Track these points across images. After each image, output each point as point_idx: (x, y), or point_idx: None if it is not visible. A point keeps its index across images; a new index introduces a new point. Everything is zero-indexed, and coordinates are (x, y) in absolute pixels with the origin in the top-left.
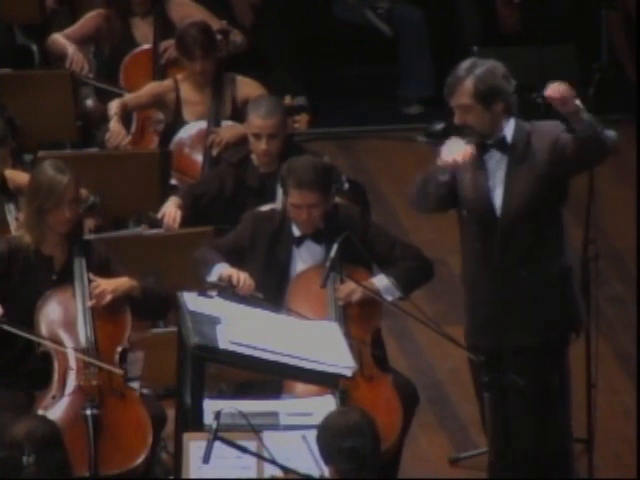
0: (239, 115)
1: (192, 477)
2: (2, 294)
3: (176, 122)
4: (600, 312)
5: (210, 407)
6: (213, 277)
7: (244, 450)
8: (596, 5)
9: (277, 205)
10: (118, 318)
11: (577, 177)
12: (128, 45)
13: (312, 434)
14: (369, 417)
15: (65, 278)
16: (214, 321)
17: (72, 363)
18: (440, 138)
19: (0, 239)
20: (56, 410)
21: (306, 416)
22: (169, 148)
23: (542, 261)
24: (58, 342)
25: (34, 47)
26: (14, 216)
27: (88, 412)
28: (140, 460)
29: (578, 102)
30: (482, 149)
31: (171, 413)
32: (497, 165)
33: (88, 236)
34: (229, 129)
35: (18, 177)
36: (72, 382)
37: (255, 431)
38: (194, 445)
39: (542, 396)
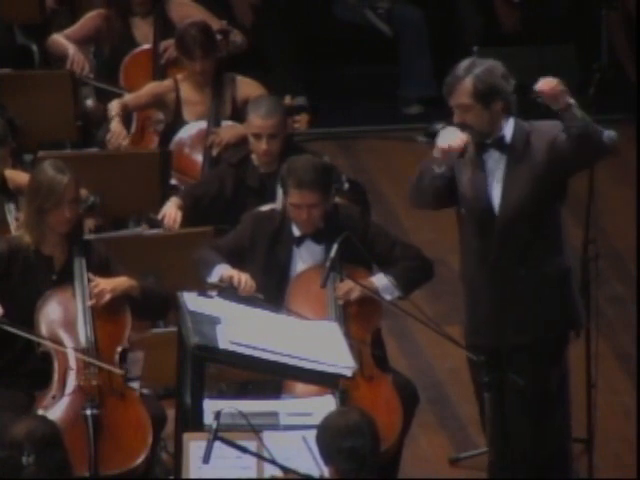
0: (239, 115)
1: (192, 477)
2: (2, 294)
3: (176, 122)
4: (600, 312)
5: (210, 407)
6: (214, 278)
7: (244, 450)
8: (596, 5)
9: (277, 205)
10: (118, 318)
11: (577, 177)
12: (128, 45)
13: (312, 434)
14: (369, 417)
15: (65, 278)
16: (214, 321)
17: (72, 363)
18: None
19: (0, 239)
20: (56, 410)
21: (306, 416)
22: (169, 148)
23: (540, 260)
24: (58, 342)
25: (34, 47)
26: (14, 216)
27: (88, 412)
28: (140, 460)
29: (570, 99)
30: (481, 148)
31: (171, 413)
32: (496, 164)
33: (88, 236)
34: (229, 129)
35: (18, 177)
36: (72, 382)
37: (255, 431)
38: (194, 445)
39: (540, 396)
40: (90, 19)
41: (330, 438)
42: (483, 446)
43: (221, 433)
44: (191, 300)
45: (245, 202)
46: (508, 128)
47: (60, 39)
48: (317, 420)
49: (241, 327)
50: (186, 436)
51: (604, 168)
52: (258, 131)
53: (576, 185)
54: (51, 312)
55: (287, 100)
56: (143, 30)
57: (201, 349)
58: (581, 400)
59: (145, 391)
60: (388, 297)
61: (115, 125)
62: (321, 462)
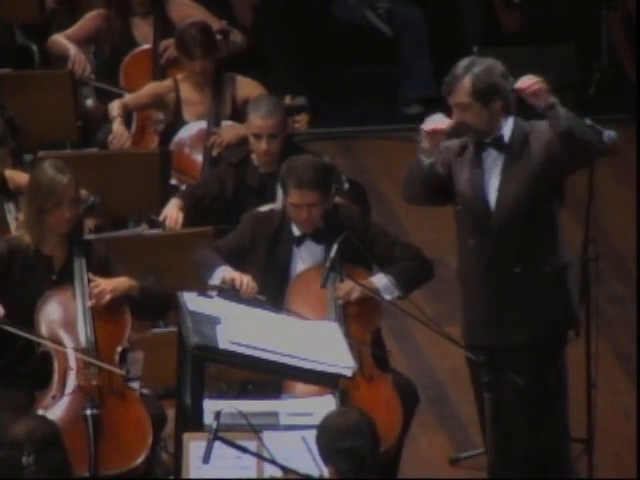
0: (239, 115)
1: (192, 477)
2: (2, 294)
3: (176, 122)
4: (600, 312)
5: (210, 407)
6: (215, 280)
7: (244, 450)
8: (596, 5)
9: (277, 205)
10: (118, 318)
11: (577, 177)
12: (128, 45)
13: (312, 434)
14: (368, 417)
15: (65, 278)
16: (214, 321)
17: (72, 363)
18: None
19: (0, 239)
20: (56, 410)
21: (306, 416)
22: (169, 148)
23: (535, 259)
24: (58, 342)
25: (34, 47)
26: (14, 216)
27: (88, 412)
28: (140, 460)
29: (552, 97)
30: (480, 147)
31: (171, 413)
32: (493, 163)
33: (88, 236)
34: (229, 129)
35: (18, 177)
36: (72, 382)
37: (255, 431)
38: (194, 445)
39: (537, 395)
40: (90, 19)
41: (329, 438)
42: (483, 446)
43: (221, 433)
44: (191, 300)
45: (245, 202)
46: (507, 127)
47: (61, 39)
48: (317, 420)
49: (241, 327)
50: (186, 436)
51: (604, 168)
52: (258, 131)
53: (576, 185)
54: (51, 312)
55: (287, 100)
56: (143, 30)
57: (201, 349)
58: (581, 400)
59: (145, 391)
60: (388, 297)
61: (117, 126)
62: (321, 462)
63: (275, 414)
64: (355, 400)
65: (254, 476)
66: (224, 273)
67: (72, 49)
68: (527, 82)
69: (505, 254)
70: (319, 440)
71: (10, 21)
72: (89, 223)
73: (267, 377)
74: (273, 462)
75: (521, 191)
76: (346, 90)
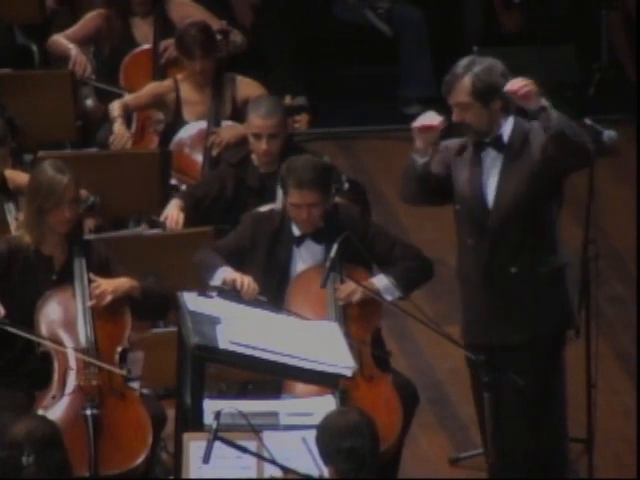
0: (239, 115)
1: (192, 477)
2: (2, 294)
3: (176, 122)
4: (600, 312)
5: (210, 407)
6: (216, 281)
7: (244, 450)
8: (596, 5)
9: (277, 205)
10: (118, 318)
11: (577, 177)
12: (128, 45)
13: (312, 435)
14: (368, 417)
15: (65, 278)
16: (214, 321)
17: (72, 363)
18: (440, 138)
19: (0, 239)
20: (56, 410)
21: (306, 416)
22: (169, 148)
23: (533, 260)
24: (58, 342)
25: (34, 47)
26: (14, 216)
27: (88, 412)
28: (140, 460)
29: (543, 100)
30: (479, 147)
31: (171, 413)
32: (492, 163)
33: (88, 236)
34: (229, 129)
35: (18, 177)
36: (72, 382)
37: (255, 431)
38: (194, 445)
39: (535, 395)
40: (90, 19)
41: (329, 438)
42: (482, 446)
43: (221, 433)
44: (191, 300)
45: (245, 202)
46: (507, 127)
47: (61, 40)
48: (317, 420)
49: (241, 327)
50: (186, 436)
51: (604, 168)
52: (258, 131)
53: (576, 185)
54: (51, 312)
55: (287, 100)
56: (143, 30)
57: (201, 349)
58: (581, 400)
59: (145, 391)
60: (389, 298)
61: (118, 127)
62: (321, 462)
63: (275, 414)
64: (355, 400)
65: (254, 476)
66: (225, 274)
67: (73, 49)
68: (517, 84)
69: (503, 254)
70: (319, 440)
71: (10, 21)
72: (89, 223)
73: (267, 377)
74: (273, 462)
75: (519, 190)
76: (346, 90)
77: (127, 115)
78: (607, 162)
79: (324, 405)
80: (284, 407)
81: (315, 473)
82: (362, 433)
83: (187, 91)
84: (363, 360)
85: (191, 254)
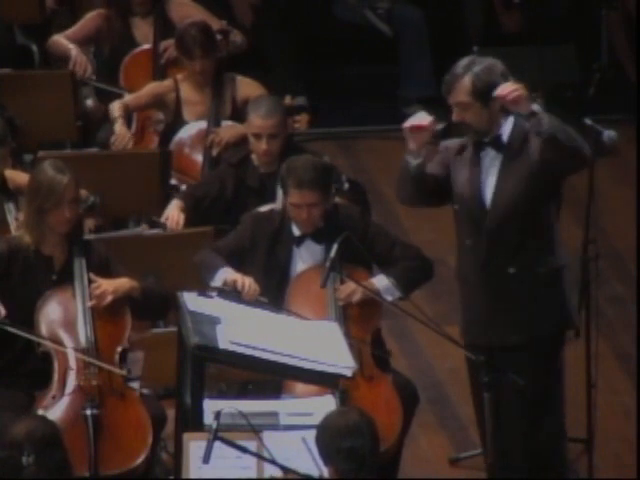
0: (239, 115)
1: (192, 477)
2: (2, 294)
3: (176, 122)
4: (600, 312)
5: (210, 407)
6: (217, 282)
7: (244, 450)
8: (596, 5)
9: (277, 205)
10: (118, 318)
11: (577, 177)
12: (128, 45)
13: (312, 435)
14: (368, 417)
15: (65, 278)
16: (214, 321)
17: (72, 363)
18: (440, 138)
19: (0, 239)
20: (56, 410)
21: (306, 416)
22: (169, 148)
23: (531, 260)
24: (58, 342)
25: (34, 47)
26: (14, 216)
27: (88, 412)
28: (140, 460)
29: (534, 105)
30: (478, 147)
31: (171, 413)
32: (491, 163)
33: (88, 236)
34: (229, 129)
35: (18, 177)
36: (72, 382)
37: (255, 431)
38: (194, 445)
39: (533, 395)
40: (90, 19)
41: (329, 438)
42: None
43: (221, 433)
44: (191, 300)
45: (245, 202)
46: (507, 127)
47: (61, 40)
48: (317, 420)
49: (241, 327)
50: (186, 436)
51: (604, 168)
52: (258, 131)
53: (576, 185)
54: (51, 312)
55: (287, 100)
56: (143, 30)
57: (201, 349)
58: (581, 400)
59: (145, 391)
60: (389, 298)
61: (119, 128)
62: (320, 462)
63: (275, 414)
64: (355, 400)
65: (254, 476)
66: (226, 275)
67: (73, 49)
68: (507, 89)
69: (501, 254)
70: (319, 440)
71: (10, 21)
72: (89, 223)
73: (267, 377)
74: (273, 462)
75: (517, 190)
76: (346, 90)
77: (127, 115)
78: (607, 162)
79: (324, 405)
80: (284, 407)
81: (315, 473)
82: (362, 433)
83: (187, 91)
84: (363, 360)
85: (191, 254)
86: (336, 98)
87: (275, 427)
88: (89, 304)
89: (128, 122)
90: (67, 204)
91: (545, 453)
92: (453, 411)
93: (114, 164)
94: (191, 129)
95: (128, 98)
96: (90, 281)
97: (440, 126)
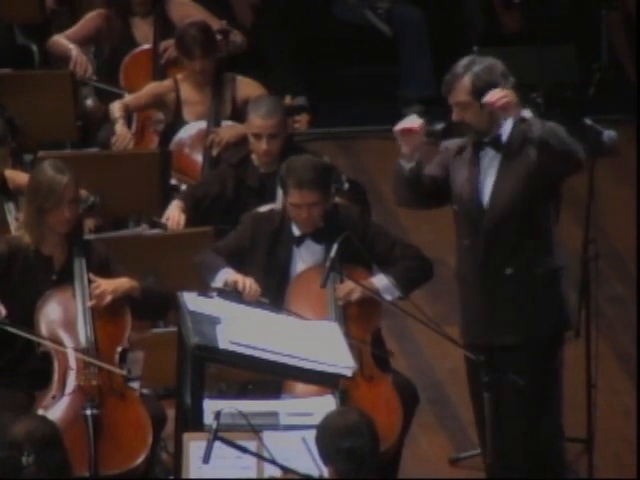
0: (239, 115)
1: (192, 477)
2: (2, 294)
3: (176, 122)
4: (600, 312)
5: (210, 407)
6: (218, 283)
7: (244, 450)
8: (596, 5)
9: (277, 205)
10: (118, 318)
11: (577, 177)
12: (128, 45)
13: (312, 435)
14: (368, 417)
15: (65, 278)
16: (214, 321)
17: (72, 363)
18: (440, 138)
19: (0, 239)
20: (56, 410)
21: (306, 416)
22: (169, 148)
23: (528, 260)
24: (58, 342)
25: (34, 47)
26: (14, 216)
27: (88, 412)
28: (140, 460)
29: (524, 111)
30: (478, 147)
31: (171, 413)
32: (490, 163)
33: (88, 236)
34: (229, 129)
35: (18, 177)
36: (72, 382)
37: (255, 431)
38: (194, 445)
39: (529, 396)
40: (90, 19)
41: (329, 438)
42: (479, 446)
43: (221, 433)
44: (191, 300)
45: (246, 202)
46: (506, 127)
47: (62, 40)
48: (317, 420)
49: (241, 327)
50: (186, 436)
51: (604, 168)
52: (258, 131)
53: (576, 185)
54: (51, 312)
55: (287, 100)
56: (143, 30)
57: (201, 349)
58: (581, 400)
59: (145, 391)
60: (388, 297)
61: (120, 128)
62: (320, 462)
63: (275, 414)
64: (355, 400)
65: (254, 476)
66: (227, 275)
67: (74, 50)
68: (495, 96)
69: (498, 254)
70: (319, 440)
71: (10, 21)
72: (89, 223)
73: (267, 377)
74: (273, 462)
75: (515, 191)
76: (346, 90)
77: (127, 115)
78: (607, 162)
79: (324, 405)
80: (284, 407)
81: (315, 473)
82: (362, 433)
83: (187, 91)
84: (363, 360)
85: (191, 254)
86: (336, 98)
87: (275, 427)
88: (89, 304)
89: (128, 122)
90: (67, 204)
91: (543, 453)
92: (453, 411)
93: (114, 164)
94: (191, 129)
95: (128, 98)
96: (90, 281)
97: (440, 126)
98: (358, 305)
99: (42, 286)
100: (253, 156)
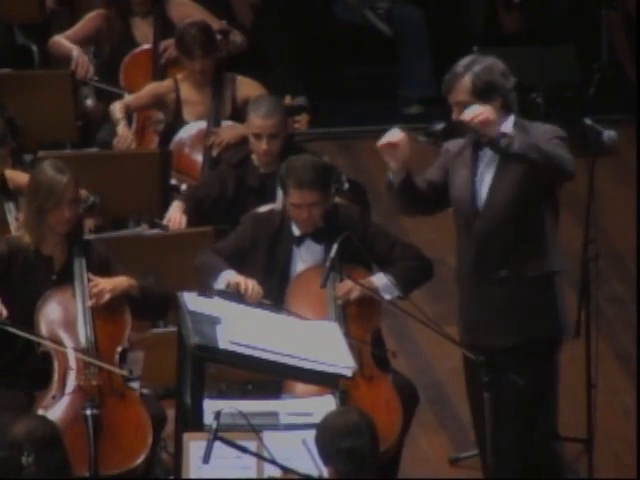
0: (239, 115)
1: (192, 477)
2: (2, 294)
3: (176, 122)
4: (600, 312)
5: (210, 407)
6: (220, 284)
7: (244, 450)
8: (596, 5)
9: (277, 205)
10: (118, 318)
11: (577, 177)
12: (128, 45)
13: (312, 436)
14: (368, 417)
15: (65, 278)
16: (214, 321)
17: (72, 363)
18: (440, 138)
19: (0, 239)
20: (56, 410)
21: (306, 416)
22: (169, 148)
23: (522, 263)
24: (58, 342)
25: (34, 47)
26: (14, 216)
27: (88, 412)
28: (140, 460)
29: (506, 125)
30: (477, 147)
31: (171, 413)
32: (489, 163)
33: (88, 236)
34: (229, 130)
35: (18, 177)
36: (72, 382)
37: (255, 431)
38: (194, 445)
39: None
40: (90, 19)
41: (329, 438)
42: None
43: (221, 433)
44: (191, 300)
45: (246, 202)
46: (506, 127)
47: (62, 41)
48: (317, 420)
49: (241, 327)
50: (186, 436)
51: (604, 168)
52: (258, 131)
53: (576, 185)
54: (51, 312)
55: (287, 100)
56: (143, 30)
57: (201, 349)
58: (581, 400)
59: (145, 391)
60: (388, 297)
61: (122, 129)
62: (320, 462)
63: (275, 414)
64: (355, 400)
65: (254, 476)
66: (229, 277)
67: (74, 50)
68: (470, 114)
69: (491, 256)
70: (318, 440)
71: (10, 21)
72: (89, 223)
73: (267, 377)
74: (273, 462)
75: (511, 193)
76: (346, 90)
77: (129, 116)
78: (607, 162)
79: (324, 405)
80: (284, 407)
81: (315, 473)
82: (361, 433)
83: (187, 91)
84: (363, 360)
85: (191, 254)
86: (336, 98)
87: (275, 427)
88: (89, 304)
89: (128, 122)
90: (67, 204)
91: (538, 454)
92: (453, 411)
93: (114, 164)
94: (191, 129)
95: (129, 99)
96: (89, 280)
97: (440, 126)
98: (358, 305)
99: (42, 286)
100: (253, 156)
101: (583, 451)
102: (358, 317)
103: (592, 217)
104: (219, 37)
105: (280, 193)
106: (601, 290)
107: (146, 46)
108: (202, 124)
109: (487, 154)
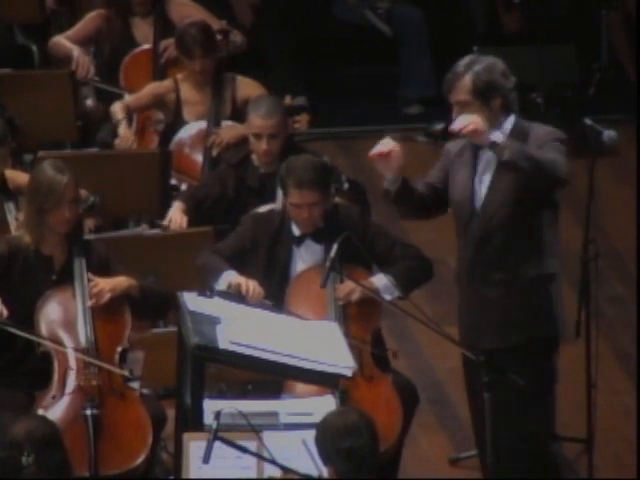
0: (239, 115)
1: (192, 477)
2: (2, 294)
3: (176, 122)
4: (600, 312)
5: (210, 407)
6: (221, 285)
7: (244, 450)
8: (596, 5)
9: (277, 205)
10: (118, 318)
11: (577, 177)
12: (128, 45)
13: (312, 436)
14: (367, 417)
15: (65, 278)
16: (214, 321)
17: (72, 363)
18: (440, 138)
19: (0, 239)
20: (56, 410)
21: (306, 416)
22: (169, 148)
23: (518, 265)
24: (58, 342)
25: (34, 47)
26: (14, 216)
27: (88, 412)
28: (140, 460)
29: (496, 134)
30: (477, 147)
31: (171, 413)
32: (488, 163)
33: (88, 236)
34: (229, 130)
35: (18, 177)
36: (72, 382)
37: (255, 431)
38: (194, 445)
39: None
40: (90, 19)
41: (329, 438)
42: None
43: (221, 433)
44: (191, 300)
45: (246, 202)
46: (507, 126)
47: (62, 41)
48: (317, 420)
49: (241, 327)
50: (186, 436)
51: (604, 168)
52: (258, 131)
53: (576, 185)
54: (51, 312)
55: (287, 100)
56: (143, 30)
57: (201, 349)
58: (581, 400)
59: (145, 391)
60: (388, 297)
61: (124, 130)
62: (320, 462)
63: (275, 414)
64: (355, 400)
65: (254, 476)
66: (230, 278)
67: (75, 50)
68: (459, 124)
69: (489, 257)
70: (318, 440)
71: (10, 21)
72: (89, 223)
73: (267, 377)
74: (273, 462)
75: (509, 193)
76: (346, 90)
77: (129, 116)
78: (607, 162)
79: (324, 405)
80: (284, 407)
81: (315, 473)
82: (361, 433)
83: (187, 91)
84: (363, 360)
85: (191, 254)
86: (336, 98)
87: (275, 427)
88: (89, 304)
89: (129, 122)
90: (67, 204)
91: (537, 454)
92: (453, 411)
93: (114, 164)
94: (191, 129)
95: (129, 99)
96: (89, 280)
97: (440, 126)
98: (358, 305)
99: (42, 286)
100: (253, 156)
101: (583, 451)
102: (358, 317)
103: (592, 217)
104: (219, 37)
105: (280, 193)
106: (601, 290)
107: (146, 46)
108: (202, 124)
109: (487, 155)
